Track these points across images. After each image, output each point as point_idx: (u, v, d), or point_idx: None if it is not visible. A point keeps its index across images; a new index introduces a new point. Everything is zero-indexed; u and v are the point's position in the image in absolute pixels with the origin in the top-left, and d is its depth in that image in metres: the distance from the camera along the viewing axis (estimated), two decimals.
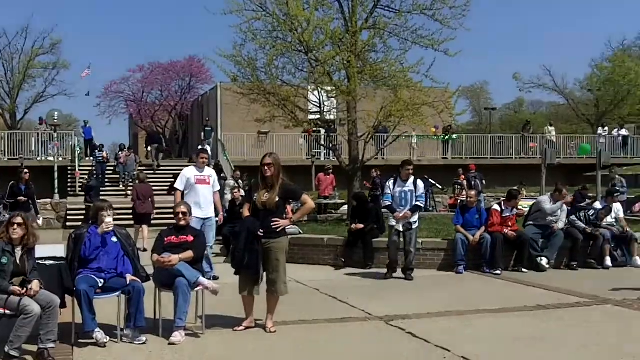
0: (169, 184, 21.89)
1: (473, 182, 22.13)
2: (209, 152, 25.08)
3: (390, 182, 11.05)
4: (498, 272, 11.58)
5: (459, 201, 19.18)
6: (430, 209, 22.06)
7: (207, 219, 10.82)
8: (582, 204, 14.46)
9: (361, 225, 12.38)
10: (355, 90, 15.27)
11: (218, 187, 11.39)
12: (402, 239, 11.03)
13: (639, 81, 44.56)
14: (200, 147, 27.33)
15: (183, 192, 10.86)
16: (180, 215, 7.55)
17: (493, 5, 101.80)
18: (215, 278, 10.11)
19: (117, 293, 6.91)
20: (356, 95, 15.55)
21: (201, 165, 11.06)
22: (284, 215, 7.45)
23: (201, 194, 10.80)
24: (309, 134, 24.30)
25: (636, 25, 76.28)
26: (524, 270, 11.83)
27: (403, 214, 10.79)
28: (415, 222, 11.05)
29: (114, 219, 7.26)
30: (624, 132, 38.55)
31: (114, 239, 7.17)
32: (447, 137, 34.05)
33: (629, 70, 44.78)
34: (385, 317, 8.06)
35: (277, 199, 7.16)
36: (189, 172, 10.95)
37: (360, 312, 8.43)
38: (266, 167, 7.17)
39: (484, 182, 23.09)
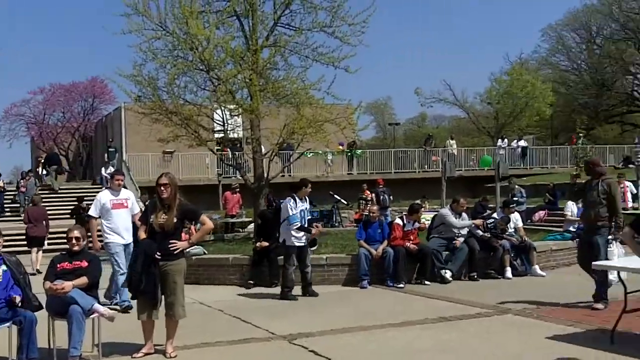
0: (71, 206, 21.23)
1: (381, 197, 22.45)
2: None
3: (292, 203, 10.91)
4: (401, 285, 11.73)
5: (364, 216, 19.39)
6: (337, 224, 22.25)
7: (127, 244, 10.19)
8: (483, 214, 14.86)
9: (266, 243, 12.31)
10: (258, 108, 15.21)
11: (138, 209, 10.67)
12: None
13: (536, 93, 46.46)
14: (114, 168, 26.66)
15: (99, 219, 10.29)
16: (74, 241, 7.29)
17: (395, 22, 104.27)
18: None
19: (8, 324, 6.60)
20: (259, 113, 15.50)
21: (117, 187, 10.38)
22: (189, 235, 7.32)
23: (120, 218, 10.20)
24: (224, 152, 24.07)
25: (532, 39, 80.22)
26: (426, 282, 12.02)
27: (319, 229, 10.97)
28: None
29: (4, 245, 6.98)
30: (522, 143, 39.93)
31: (4, 267, 6.86)
32: (351, 152, 34.45)
33: (526, 83, 46.65)
34: (288, 335, 8.00)
35: (175, 220, 7.03)
36: (104, 197, 10.31)
37: (263, 331, 8.35)
38: (162, 188, 7.01)
39: (391, 197, 23.44)
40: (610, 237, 9.25)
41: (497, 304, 9.78)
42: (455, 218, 13.00)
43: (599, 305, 9.17)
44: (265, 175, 16.19)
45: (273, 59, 15.63)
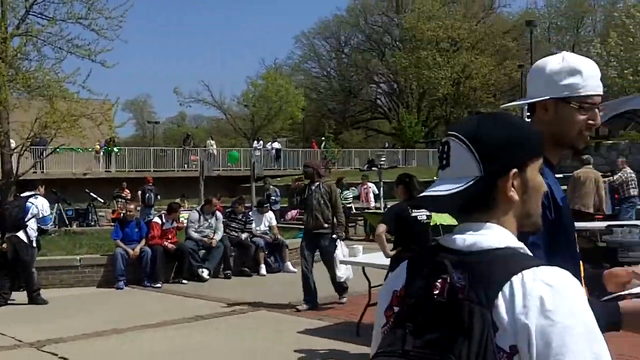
0: None
1: (147, 195, 22.13)
2: None
3: (46, 202, 10.56)
4: (159, 285, 11.67)
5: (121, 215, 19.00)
6: (92, 223, 21.59)
7: None
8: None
9: None
10: (7, 99, 14.40)
11: None
12: None
13: (289, 98, 48.12)
14: None
15: None
16: None
17: (156, 19, 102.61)
18: None
19: None
20: (8, 105, 14.67)
21: None
22: None
23: None
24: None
25: (287, 45, 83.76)
26: (184, 281, 12.05)
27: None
28: None
29: None
30: (276, 145, 41.40)
31: None
32: (109, 149, 33.50)
33: (280, 88, 48.13)
34: (37, 342, 7.60)
35: None
36: None
37: (9, 339, 7.84)
38: None
39: (158, 196, 23.16)
40: (334, 236, 9.57)
41: (251, 301, 10.05)
42: (207, 219, 13.06)
43: (344, 299, 9.79)
44: (15, 171, 15.28)
45: (24, 49, 14.90)
